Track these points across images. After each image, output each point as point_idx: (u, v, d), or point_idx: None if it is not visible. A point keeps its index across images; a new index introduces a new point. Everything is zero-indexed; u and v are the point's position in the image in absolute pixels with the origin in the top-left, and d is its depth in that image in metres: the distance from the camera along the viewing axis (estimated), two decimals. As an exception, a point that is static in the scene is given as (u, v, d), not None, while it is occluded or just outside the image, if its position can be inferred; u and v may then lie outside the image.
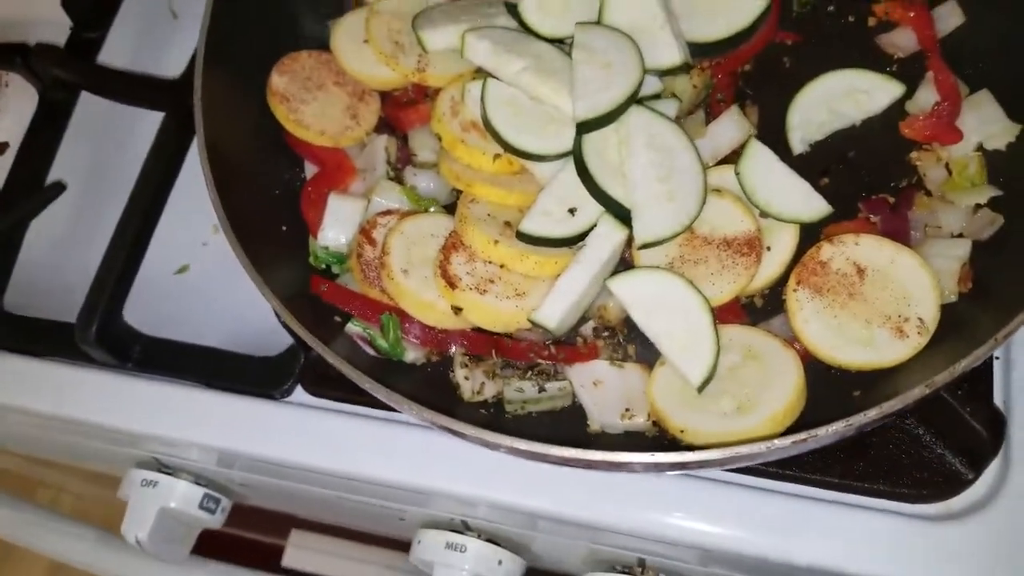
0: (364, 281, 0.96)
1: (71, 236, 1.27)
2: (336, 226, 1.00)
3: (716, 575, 1.04)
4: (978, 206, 0.94)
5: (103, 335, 1.07)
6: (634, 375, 0.92)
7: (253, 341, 1.12)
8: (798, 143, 1.01)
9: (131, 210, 1.12)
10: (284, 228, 1.03)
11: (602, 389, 0.91)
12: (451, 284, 0.92)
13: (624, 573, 1.07)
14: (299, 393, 1.07)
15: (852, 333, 0.87)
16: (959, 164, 0.97)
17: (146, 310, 1.16)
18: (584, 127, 0.92)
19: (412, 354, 0.96)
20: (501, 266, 0.93)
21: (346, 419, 1.04)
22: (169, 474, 1.17)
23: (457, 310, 0.92)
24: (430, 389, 0.94)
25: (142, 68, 1.33)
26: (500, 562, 1.08)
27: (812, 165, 0.99)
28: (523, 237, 0.92)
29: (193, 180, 1.19)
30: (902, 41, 1.05)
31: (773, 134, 1.01)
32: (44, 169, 1.28)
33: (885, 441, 0.94)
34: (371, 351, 0.96)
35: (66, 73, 1.25)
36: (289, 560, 1.94)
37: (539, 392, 0.91)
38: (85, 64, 1.28)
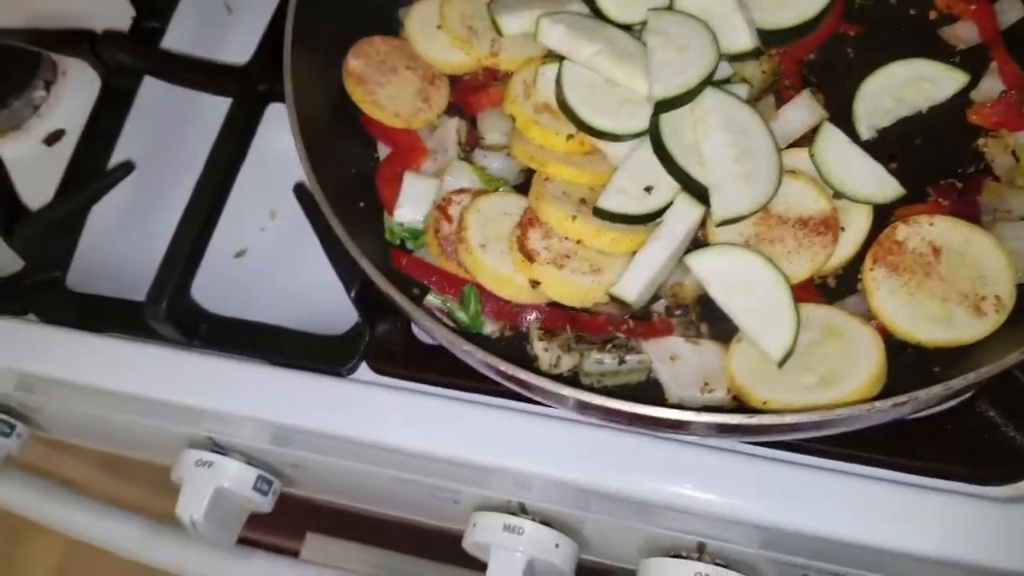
0: (442, 255, 0.98)
1: (132, 217, 1.28)
2: (411, 203, 1.02)
3: (776, 559, 1.04)
4: (1046, 190, 0.96)
5: (172, 311, 1.08)
6: (710, 351, 0.93)
7: (315, 322, 1.13)
8: (865, 130, 1.02)
9: (201, 190, 1.13)
10: (361, 205, 1.05)
11: (679, 364, 0.92)
12: (529, 258, 0.93)
13: (682, 558, 1.06)
14: (364, 371, 1.08)
15: (930, 311, 0.88)
16: (1026, 151, 0.98)
17: (209, 291, 1.17)
18: (661, 107, 0.94)
19: (489, 327, 0.97)
20: (578, 242, 0.94)
21: (411, 396, 1.05)
22: (223, 454, 1.18)
23: (535, 284, 0.93)
24: (510, 360, 0.95)
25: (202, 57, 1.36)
26: (557, 545, 1.08)
27: (879, 151, 1.00)
28: (600, 214, 0.94)
29: (251, 169, 1.23)
30: (964, 33, 1.07)
31: (839, 122, 1.03)
32: (107, 154, 1.30)
33: (956, 423, 0.94)
34: (450, 323, 0.97)
35: (133, 58, 1.27)
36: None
37: (619, 364, 0.92)
38: (151, 50, 1.30)
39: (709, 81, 0.95)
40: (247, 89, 1.17)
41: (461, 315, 0.96)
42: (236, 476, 1.17)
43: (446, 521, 1.25)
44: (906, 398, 0.72)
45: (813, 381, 0.85)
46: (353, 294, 1.04)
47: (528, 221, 0.95)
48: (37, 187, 1.31)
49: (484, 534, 1.09)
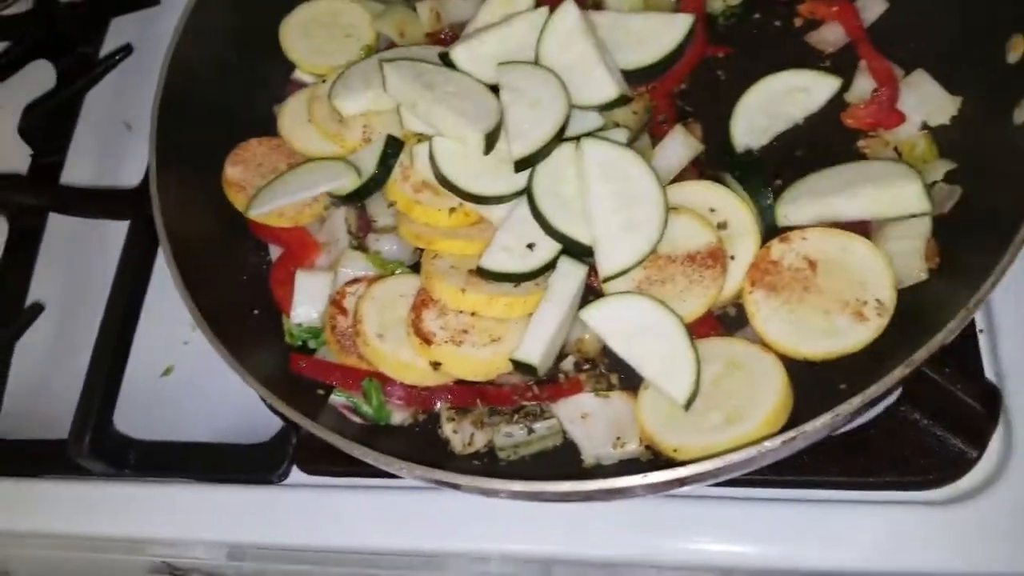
0: (341, 351, 0.97)
1: (54, 356, 1.27)
2: (306, 302, 1.01)
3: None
4: (934, 182, 0.94)
5: (97, 445, 1.07)
6: (620, 403, 0.92)
7: (245, 430, 1.12)
8: (744, 150, 1.02)
9: (109, 319, 1.13)
10: (256, 312, 1.04)
11: (590, 421, 0.91)
12: (426, 340, 0.92)
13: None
14: (296, 474, 1.07)
15: (812, 325, 0.87)
16: (907, 145, 0.98)
17: (136, 416, 1.16)
18: (522, 165, 0.94)
19: (399, 416, 0.96)
20: (472, 314, 0.93)
21: (346, 493, 1.04)
22: (182, 576, 1.16)
23: (436, 365, 0.92)
24: (421, 448, 0.94)
25: (105, 182, 1.35)
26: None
27: (762, 170, 1.00)
28: (484, 274, 0.93)
29: (166, 283, 1.22)
30: (831, 36, 1.07)
31: (719, 147, 1.03)
32: (22, 294, 1.30)
33: (884, 433, 0.93)
34: (358, 419, 0.96)
35: (32, 198, 1.27)
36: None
37: (528, 434, 0.91)
38: (46, 186, 1.30)
39: (561, 135, 0.95)
40: (140, 209, 1.17)
41: (366, 409, 0.95)
42: (196, 598, 1.15)
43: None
44: (795, 433, 0.71)
45: (720, 420, 0.84)
46: (267, 404, 1.03)
47: (421, 303, 0.95)
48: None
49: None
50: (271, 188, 1.05)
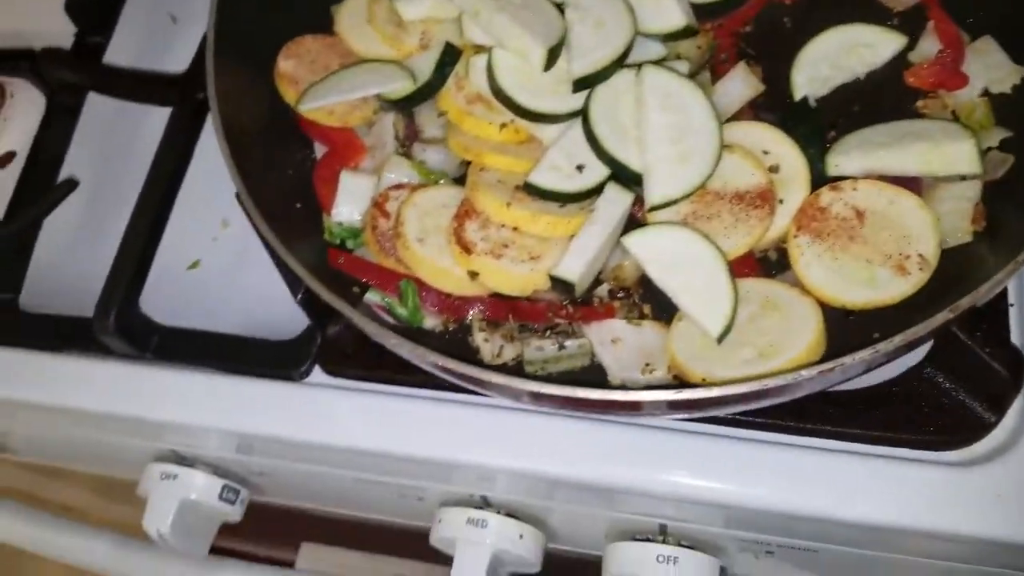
0: (380, 252, 0.97)
1: (83, 234, 1.28)
2: (349, 202, 1.01)
3: (740, 538, 1.03)
4: (988, 148, 0.94)
5: (121, 325, 1.07)
6: (651, 332, 0.92)
7: (268, 328, 1.12)
8: (803, 99, 1.01)
9: (144, 201, 1.13)
10: (298, 206, 1.04)
11: (621, 346, 0.91)
12: (466, 250, 0.92)
13: (645, 540, 1.06)
14: (317, 374, 1.08)
15: (854, 274, 0.88)
16: (966, 108, 0.97)
17: (162, 305, 1.16)
18: (579, 85, 0.93)
19: (431, 321, 0.97)
20: (514, 229, 0.93)
21: (366, 396, 1.05)
22: (189, 466, 1.17)
23: (473, 275, 0.92)
24: (450, 353, 0.94)
25: (146, 68, 1.35)
26: (521, 536, 1.08)
27: (819, 120, 1.00)
28: (531, 189, 0.93)
29: (200, 178, 1.22)
30: (902, -4, 1.06)
31: (778, 93, 1.02)
32: (55, 171, 1.29)
33: (906, 391, 0.94)
34: (391, 320, 0.97)
35: (74, 74, 1.26)
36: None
37: (559, 350, 0.91)
38: (92, 65, 1.29)
39: (623, 60, 0.94)
40: (187, 97, 1.16)
41: (401, 311, 0.95)
42: (201, 487, 1.17)
43: (415, 519, 1.25)
44: (833, 364, 0.71)
45: (752, 355, 0.84)
46: (299, 298, 1.03)
47: (464, 212, 0.95)
48: (-12, 209, 1.31)
49: (448, 529, 1.08)
50: (323, 84, 1.04)
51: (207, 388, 1.09)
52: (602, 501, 1.03)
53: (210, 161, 1.23)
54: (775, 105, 1.01)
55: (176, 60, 1.32)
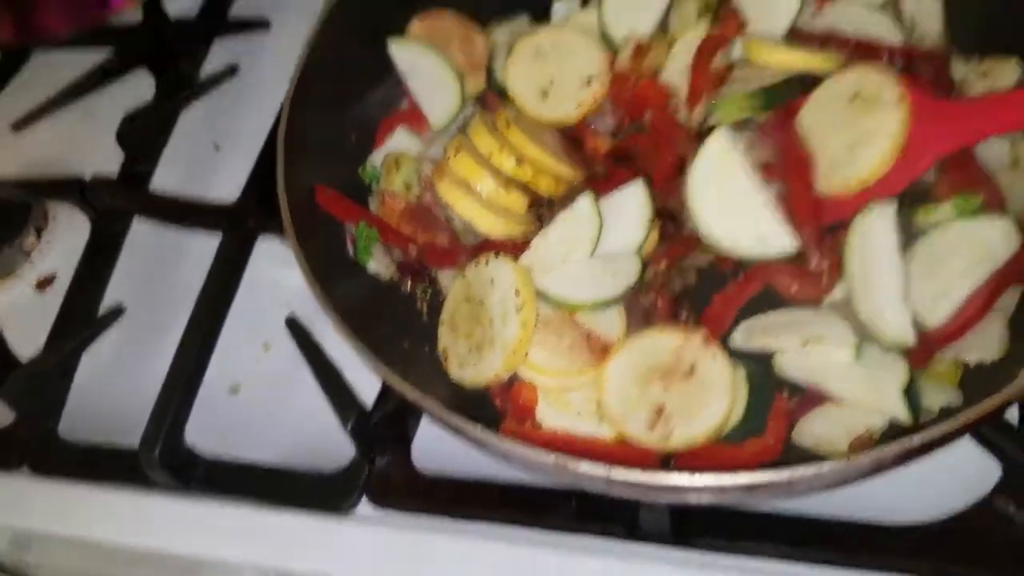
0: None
1: (124, 361, 1.27)
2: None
3: None
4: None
5: (166, 457, 1.06)
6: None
7: (314, 455, 1.10)
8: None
9: (192, 329, 1.13)
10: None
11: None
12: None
13: None
14: (364, 506, 1.05)
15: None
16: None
17: (204, 430, 1.15)
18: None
19: (374, 265, 1.05)
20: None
21: (415, 532, 1.01)
22: (224, 602, 1.13)
23: None
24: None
25: (191, 195, 1.37)
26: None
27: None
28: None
29: (243, 301, 1.23)
30: None
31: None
32: (98, 299, 1.30)
33: (974, 525, 0.91)
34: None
35: (124, 202, 1.28)
36: None
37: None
38: (142, 192, 1.32)
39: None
40: (237, 225, 1.18)
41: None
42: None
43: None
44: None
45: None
46: (349, 427, 1.02)
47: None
48: (28, 333, 1.31)
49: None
50: None
51: (250, 523, 1.05)
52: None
53: (254, 286, 1.24)
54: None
55: (218, 188, 1.36)
